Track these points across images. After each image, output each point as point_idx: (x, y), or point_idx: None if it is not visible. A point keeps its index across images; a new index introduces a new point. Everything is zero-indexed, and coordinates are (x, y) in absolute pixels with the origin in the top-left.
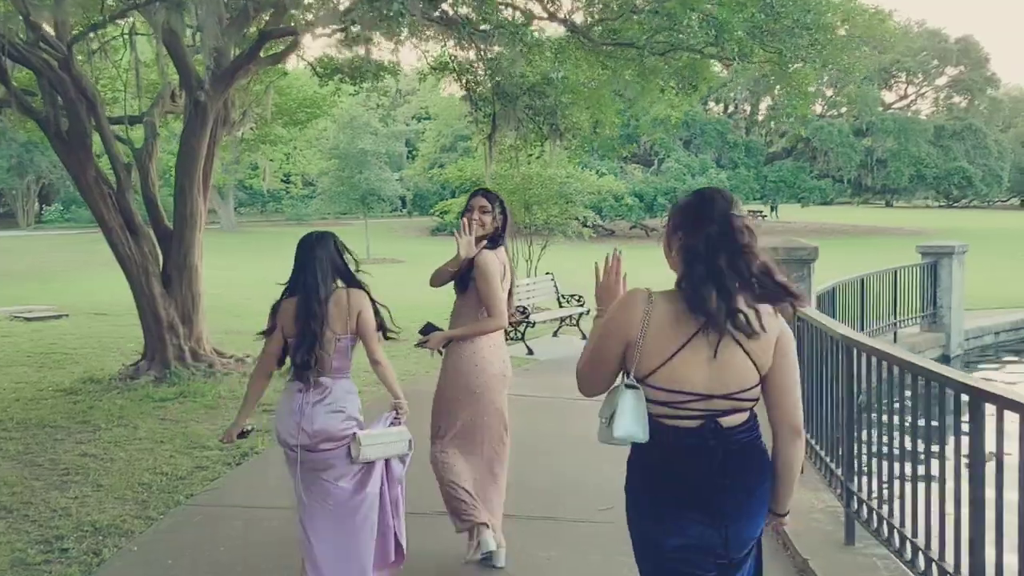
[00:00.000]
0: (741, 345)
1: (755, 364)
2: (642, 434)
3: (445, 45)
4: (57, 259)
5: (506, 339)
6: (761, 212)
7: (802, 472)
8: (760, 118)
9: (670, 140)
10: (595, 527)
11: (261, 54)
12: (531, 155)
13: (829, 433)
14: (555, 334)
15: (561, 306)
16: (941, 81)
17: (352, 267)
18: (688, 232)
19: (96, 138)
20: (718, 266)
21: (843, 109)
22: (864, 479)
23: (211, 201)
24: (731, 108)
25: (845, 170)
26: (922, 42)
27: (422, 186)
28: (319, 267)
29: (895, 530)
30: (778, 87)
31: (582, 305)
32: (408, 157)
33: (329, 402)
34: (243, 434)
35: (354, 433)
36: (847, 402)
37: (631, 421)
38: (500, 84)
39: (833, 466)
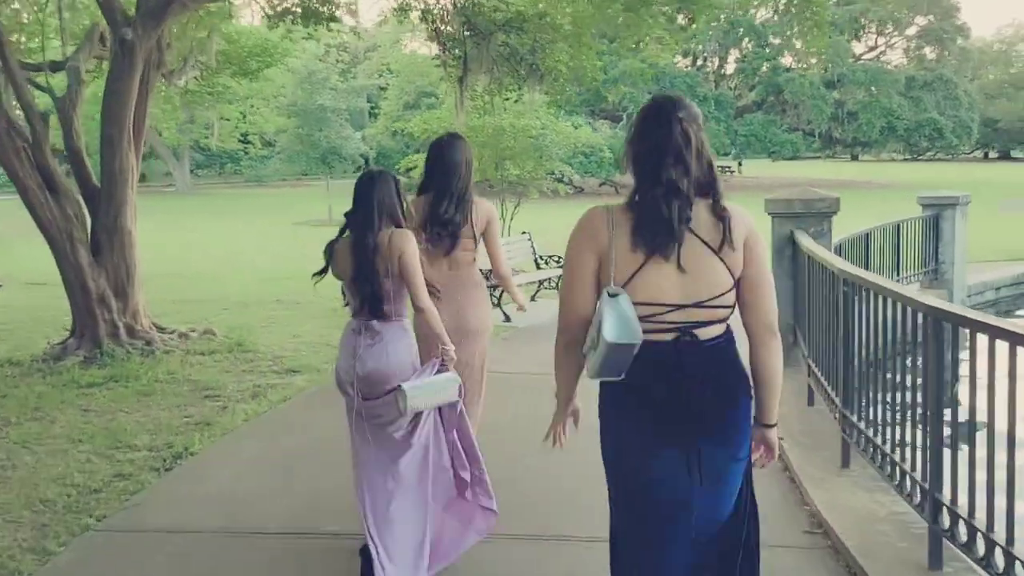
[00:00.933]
0: (709, 247)
1: (727, 267)
2: (633, 336)
3: None
4: None
5: None
6: (729, 167)
7: None
8: (729, 71)
9: (639, 94)
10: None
11: None
12: (508, 99)
13: (897, 425)
14: (533, 298)
15: (539, 268)
16: (911, 31)
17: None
18: (637, 141)
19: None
20: (667, 173)
21: (813, 60)
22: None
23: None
24: (700, 61)
25: (816, 123)
26: None
27: (386, 144)
28: (375, 206)
29: (998, 548)
30: (747, 39)
31: (561, 265)
32: (370, 115)
33: (379, 347)
34: None
35: (399, 385)
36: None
37: (619, 324)
38: (471, 20)
39: (906, 466)
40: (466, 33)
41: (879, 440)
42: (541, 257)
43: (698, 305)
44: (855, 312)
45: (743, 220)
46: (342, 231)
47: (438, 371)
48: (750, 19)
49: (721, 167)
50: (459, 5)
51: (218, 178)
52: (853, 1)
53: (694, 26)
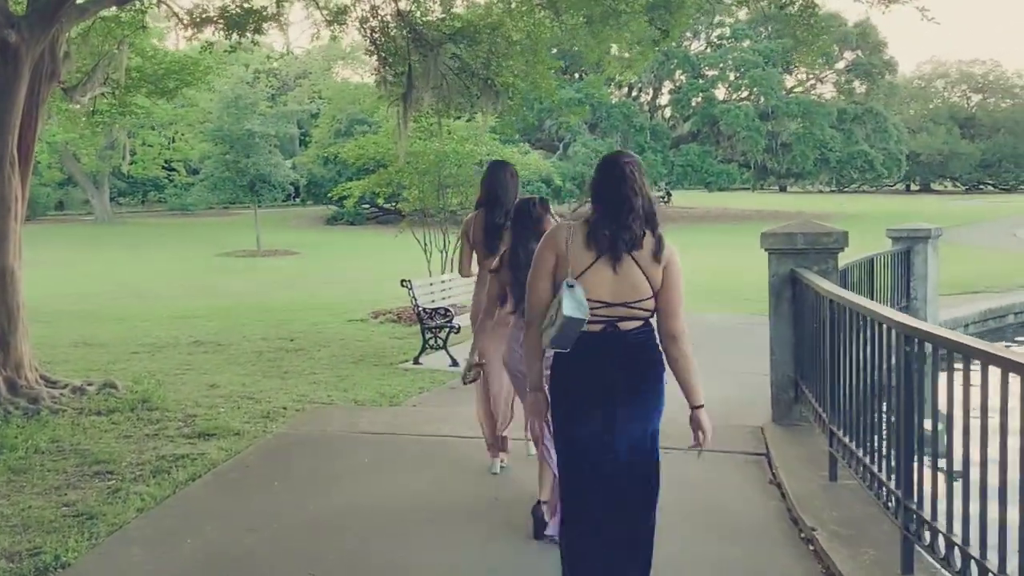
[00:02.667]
0: (638, 264)
1: (648, 280)
2: (582, 314)
3: None
4: None
5: (424, 348)
6: (661, 197)
7: None
8: (663, 102)
9: (576, 123)
10: None
11: None
12: (459, 118)
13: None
14: None
15: None
16: (841, 65)
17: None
18: (597, 182)
19: None
20: (619, 211)
21: (744, 93)
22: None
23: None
24: (634, 92)
25: (751, 154)
26: (823, 24)
27: (317, 172)
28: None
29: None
30: (680, 71)
31: None
32: (301, 143)
33: None
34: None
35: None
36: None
37: (574, 305)
38: (417, 30)
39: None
40: (411, 45)
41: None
42: None
43: (623, 304)
44: (912, 373)
45: (670, 248)
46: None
47: None
48: (684, 51)
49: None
50: (403, 12)
51: (140, 207)
52: (784, 36)
53: (666, 40)
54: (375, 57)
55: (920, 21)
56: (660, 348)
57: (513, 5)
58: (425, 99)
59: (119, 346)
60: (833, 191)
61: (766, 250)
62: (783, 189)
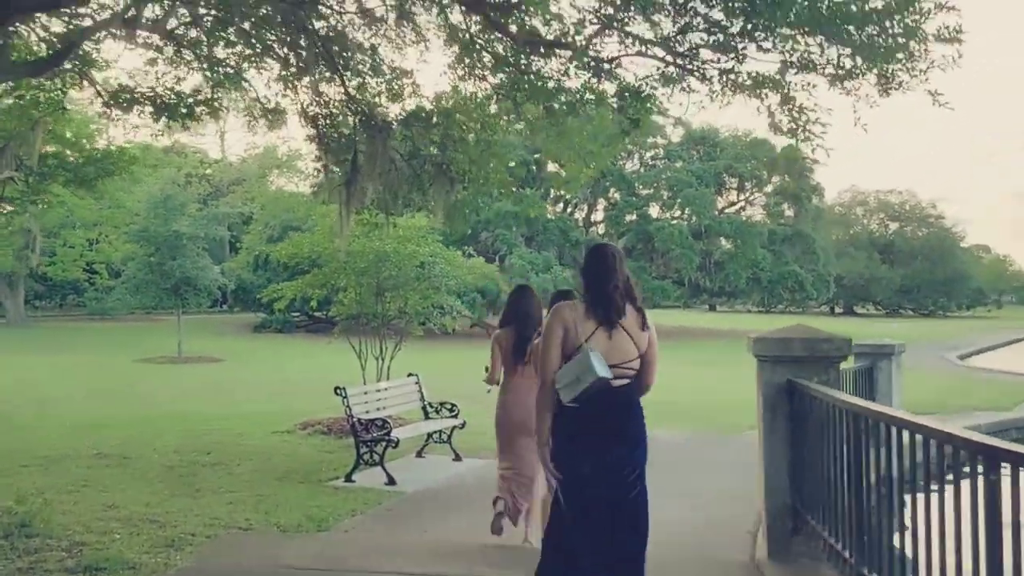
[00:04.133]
0: (628, 333)
1: (636, 345)
2: (608, 373)
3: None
4: None
5: (358, 463)
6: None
7: None
8: (597, 218)
9: (512, 236)
10: None
11: (12, 56)
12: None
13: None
14: (420, 453)
15: (428, 417)
16: (769, 188)
17: None
18: (586, 268)
19: None
20: (605, 287)
21: (677, 213)
22: None
23: None
24: (569, 209)
25: (684, 271)
26: (751, 151)
27: (246, 278)
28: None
29: None
30: (614, 189)
31: (455, 415)
32: (231, 249)
33: None
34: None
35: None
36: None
37: (601, 365)
38: (367, 112)
39: None
40: (358, 127)
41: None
42: (431, 404)
43: (615, 366)
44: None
45: (649, 321)
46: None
47: None
48: (619, 169)
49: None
50: (351, 96)
51: (58, 310)
52: (716, 157)
53: (636, 131)
54: (316, 144)
55: (838, 153)
56: (640, 400)
57: (468, 93)
58: (369, 189)
59: (7, 458)
60: (760, 311)
61: (757, 357)
62: (712, 308)
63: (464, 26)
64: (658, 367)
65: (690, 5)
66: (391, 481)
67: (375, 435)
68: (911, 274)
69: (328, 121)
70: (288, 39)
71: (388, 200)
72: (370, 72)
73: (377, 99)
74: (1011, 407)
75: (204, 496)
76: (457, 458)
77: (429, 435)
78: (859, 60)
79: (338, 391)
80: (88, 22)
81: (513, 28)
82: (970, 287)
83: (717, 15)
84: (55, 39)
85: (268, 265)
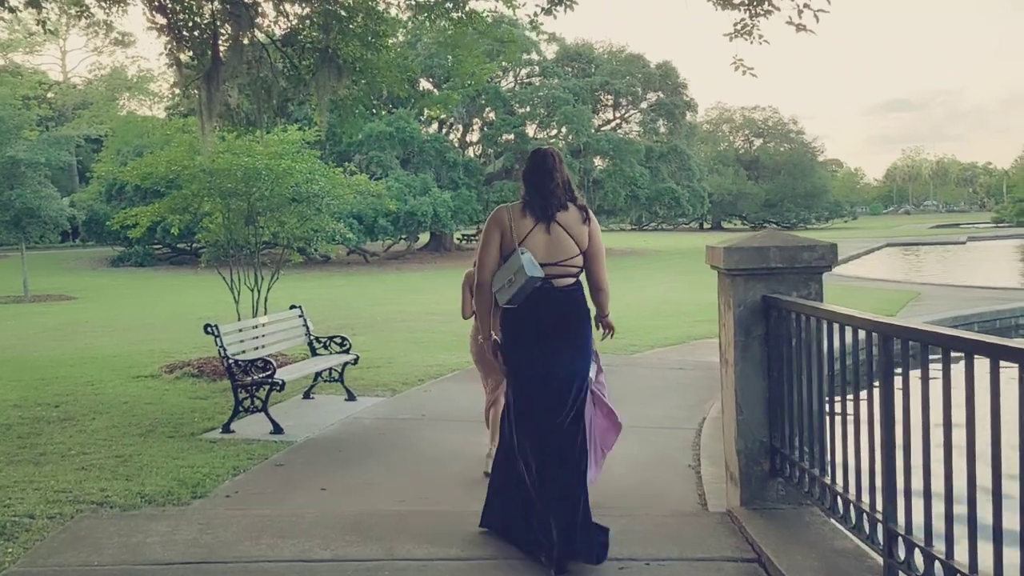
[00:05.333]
0: (566, 230)
1: (576, 242)
2: (539, 273)
3: None
4: None
5: (237, 411)
6: (475, 236)
7: None
8: (474, 139)
9: (387, 158)
10: None
11: None
12: (281, 120)
13: None
14: (308, 394)
15: (316, 353)
16: (645, 104)
17: None
18: (525, 170)
19: None
20: (543, 186)
21: (554, 131)
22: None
23: None
24: (444, 129)
25: None
26: (627, 66)
27: (99, 210)
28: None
29: None
30: (490, 108)
31: (346, 350)
32: (81, 180)
33: None
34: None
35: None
36: None
37: (532, 265)
38: None
39: None
40: (219, 17)
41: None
42: (318, 339)
43: (556, 263)
44: None
45: (593, 217)
46: None
47: None
48: (495, 87)
49: (465, 235)
50: None
51: None
52: (591, 74)
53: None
54: (166, 38)
55: (704, 70)
56: (587, 300)
57: None
58: (235, 89)
59: None
60: (633, 229)
61: (727, 272)
62: None
63: None
64: (604, 266)
65: None
66: (277, 429)
67: (256, 378)
68: (775, 189)
69: (180, 5)
70: None
71: (260, 97)
72: None
73: None
74: (894, 313)
75: (49, 461)
76: (351, 398)
77: (318, 374)
78: None
79: (209, 329)
80: None
81: None
82: (828, 200)
83: None
84: None
85: (123, 194)
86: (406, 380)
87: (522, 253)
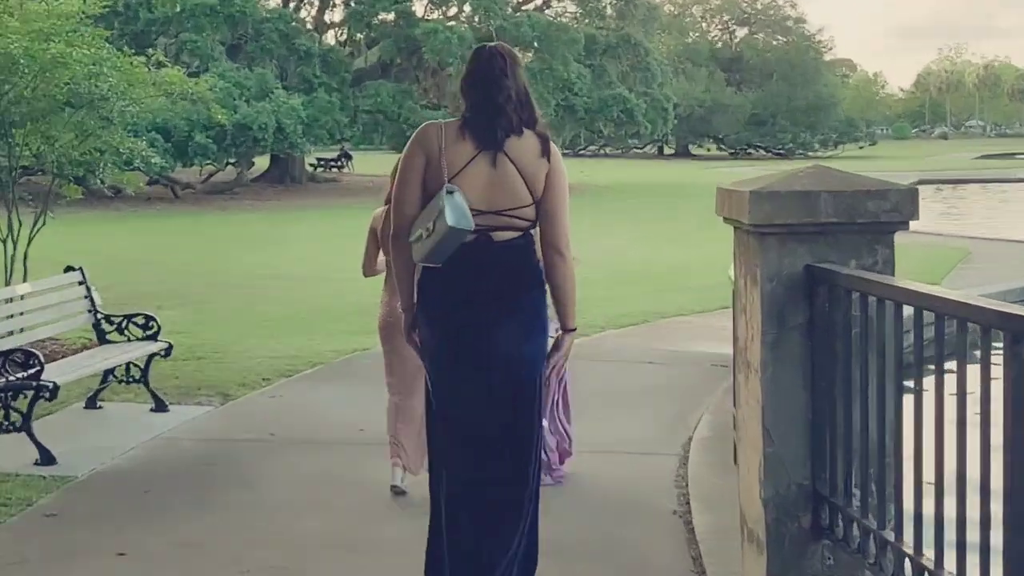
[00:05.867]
0: (517, 167)
1: (528, 186)
2: (467, 224)
3: None
4: None
5: None
6: (332, 161)
7: None
8: (337, 18)
9: (207, 43)
10: None
11: None
12: None
13: None
14: (94, 402)
15: (105, 340)
16: None
17: None
18: (466, 75)
19: None
20: (491, 98)
21: (454, 10)
22: None
23: None
24: (293, 2)
25: None
26: None
27: None
28: None
29: None
30: None
31: (153, 335)
32: None
33: None
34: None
35: None
36: None
37: (457, 214)
38: None
39: None
40: None
41: None
42: (108, 318)
43: (498, 213)
44: None
45: (555, 151)
46: None
47: None
48: None
49: (323, 160)
50: None
51: None
52: None
53: None
54: None
55: None
56: (540, 263)
57: None
58: None
59: None
60: (566, 154)
61: (753, 229)
62: None
63: None
64: (568, 222)
65: None
66: (46, 458)
67: (12, 379)
68: (764, 100)
69: None
70: None
71: None
72: None
73: None
74: (940, 280)
75: None
76: (160, 407)
77: (109, 372)
78: None
79: None
80: None
81: None
82: (837, 118)
83: None
84: None
85: None
86: (244, 380)
87: (448, 193)
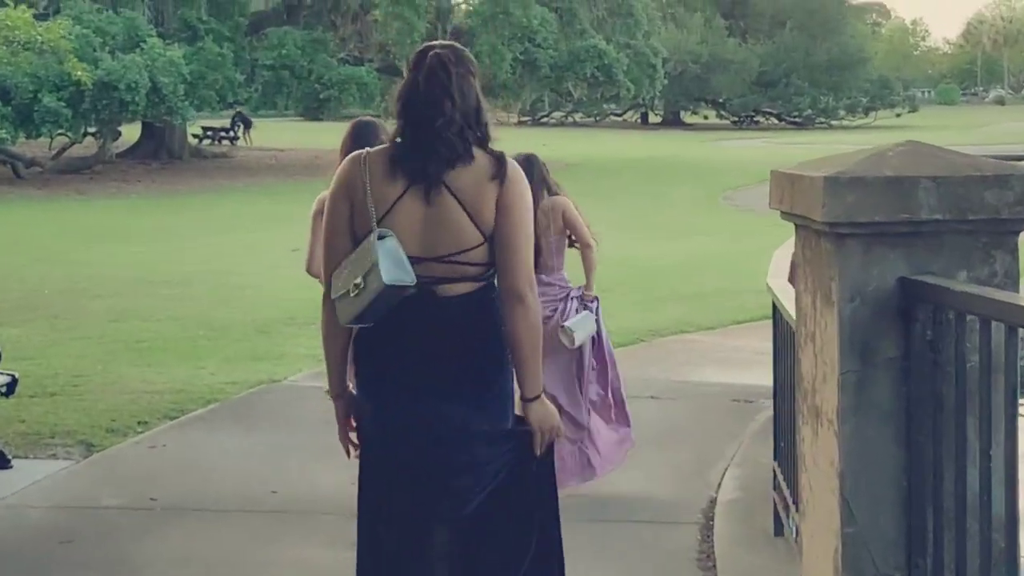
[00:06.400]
0: (460, 201)
1: (475, 223)
2: (406, 276)
3: None
4: None
5: None
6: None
7: None
8: None
9: None
10: None
11: None
12: None
13: None
14: None
15: None
16: None
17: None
18: (401, 88)
19: None
20: (427, 120)
21: None
22: None
23: None
24: None
25: (399, 47)
26: None
27: None
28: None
29: None
30: None
31: None
32: None
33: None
34: None
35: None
36: None
37: (392, 263)
38: None
39: None
40: None
41: None
42: None
43: (439, 260)
44: None
45: (514, 169)
46: None
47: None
48: None
49: (210, 130)
50: None
51: None
52: None
53: None
54: None
55: None
56: (500, 319)
57: None
58: None
59: None
60: (524, 121)
61: (829, 227)
62: None
63: None
64: (530, 259)
65: None
66: None
67: None
68: (775, 54)
69: None
70: None
71: None
72: None
73: None
74: None
75: None
76: (1, 462)
77: None
78: None
79: None
80: None
81: None
82: (867, 78)
83: None
84: None
85: None
86: (113, 424)
87: (380, 239)
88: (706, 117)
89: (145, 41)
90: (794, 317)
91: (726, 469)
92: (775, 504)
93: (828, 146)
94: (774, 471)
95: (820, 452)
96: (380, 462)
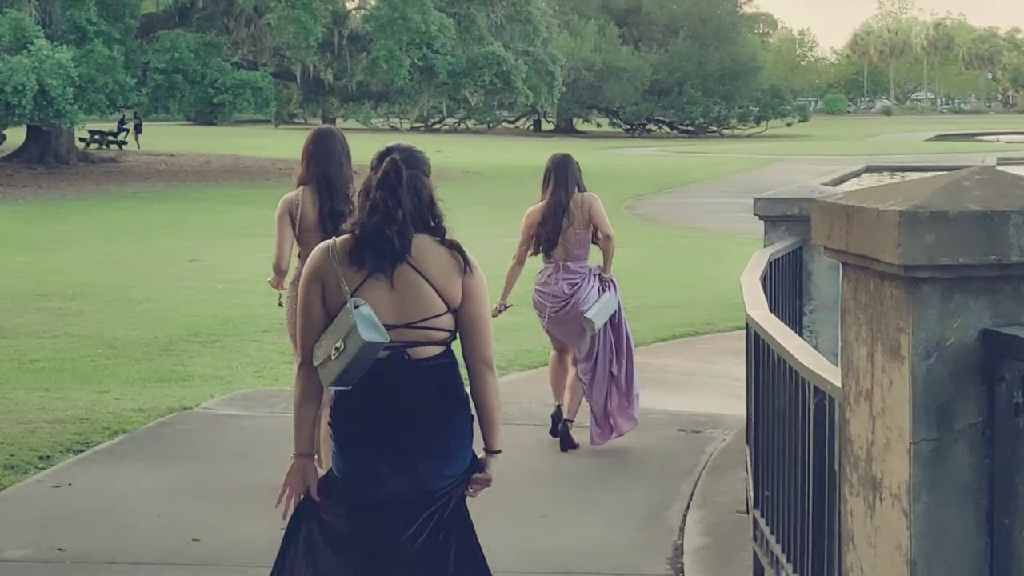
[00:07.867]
0: (422, 274)
1: (441, 296)
2: (381, 336)
3: None
4: None
5: None
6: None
7: None
8: None
9: None
10: None
11: None
12: None
13: None
14: None
15: None
16: None
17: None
18: (362, 184)
19: None
20: (379, 217)
21: None
22: None
23: None
24: None
25: (295, 53)
26: None
27: None
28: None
29: None
30: None
31: None
32: None
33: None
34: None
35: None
36: None
37: (370, 327)
38: None
39: None
40: None
41: None
42: None
43: (409, 326)
44: None
45: (475, 265)
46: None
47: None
48: None
49: (98, 134)
50: None
51: None
52: None
53: None
54: None
55: None
56: (463, 383)
57: None
58: None
59: None
60: (416, 127)
61: (905, 270)
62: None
63: None
64: (492, 332)
65: None
66: None
67: None
68: (669, 63)
69: None
70: None
71: None
72: None
73: None
74: None
75: None
76: None
77: None
78: None
79: None
80: None
81: None
82: (758, 87)
83: None
84: None
85: None
86: (10, 460)
87: (355, 307)
88: (599, 125)
89: (32, 43)
90: (788, 352)
91: (686, 511)
92: (755, 555)
93: (721, 155)
94: (755, 520)
95: (879, 532)
96: (333, 522)
